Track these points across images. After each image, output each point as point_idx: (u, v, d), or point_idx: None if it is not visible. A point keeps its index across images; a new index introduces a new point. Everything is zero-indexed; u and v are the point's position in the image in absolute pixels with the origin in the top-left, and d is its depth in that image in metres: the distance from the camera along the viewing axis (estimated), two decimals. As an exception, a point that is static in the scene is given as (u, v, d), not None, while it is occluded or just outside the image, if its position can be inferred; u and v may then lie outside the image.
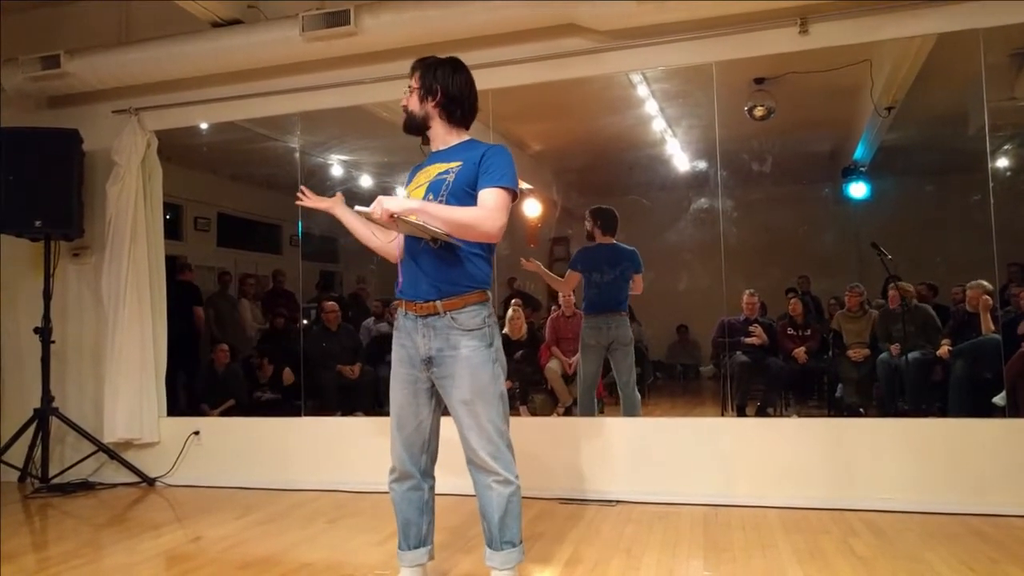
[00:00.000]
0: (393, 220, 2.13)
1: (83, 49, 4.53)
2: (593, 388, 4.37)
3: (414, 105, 2.40)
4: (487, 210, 2.24)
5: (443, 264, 2.28)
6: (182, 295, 5.72)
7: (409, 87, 2.41)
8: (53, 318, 4.61)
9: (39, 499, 4.29)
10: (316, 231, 5.07)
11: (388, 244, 2.47)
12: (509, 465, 2.30)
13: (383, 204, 2.11)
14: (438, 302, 2.27)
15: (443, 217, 2.19)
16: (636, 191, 5.40)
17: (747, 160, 5.02)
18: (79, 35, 4.79)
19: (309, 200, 2.57)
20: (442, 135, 2.42)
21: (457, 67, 2.42)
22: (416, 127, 2.43)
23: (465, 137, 2.46)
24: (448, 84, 2.39)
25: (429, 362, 2.29)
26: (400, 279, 2.38)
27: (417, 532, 2.41)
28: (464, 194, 2.28)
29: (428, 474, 2.41)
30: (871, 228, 4.91)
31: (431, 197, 2.28)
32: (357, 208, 2.20)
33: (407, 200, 2.22)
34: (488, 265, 2.37)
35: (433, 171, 2.37)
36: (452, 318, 2.27)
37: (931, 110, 4.81)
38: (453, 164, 2.34)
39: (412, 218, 2.14)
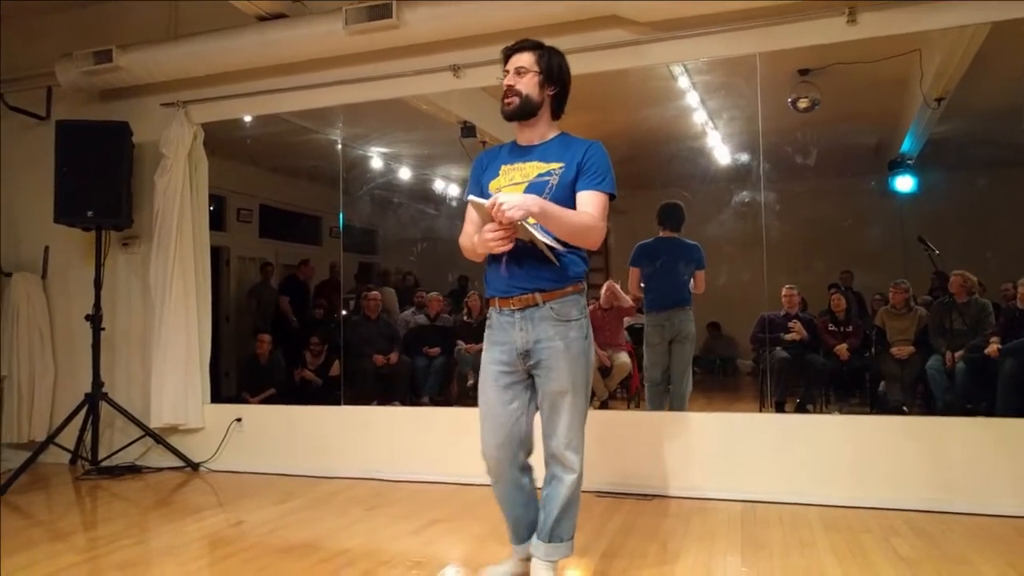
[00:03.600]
0: (511, 225, 2.01)
1: (134, 44, 4.65)
2: (659, 385, 4.31)
3: (532, 89, 2.24)
4: (595, 219, 2.17)
5: (544, 262, 2.21)
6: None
7: (518, 68, 2.25)
8: (103, 306, 4.74)
9: (89, 481, 4.44)
10: (357, 223, 5.12)
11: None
12: (582, 461, 2.29)
13: (504, 209, 1.98)
14: (537, 294, 2.22)
15: (563, 221, 2.10)
16: (676, 184, 5.33)
17: (790, 153, 4.93)
18: (130, 30, 4.91)
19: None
20: (542, 128, 2.31)
21: (564, 57, 2.34)
22: (528, 113, 2.26)
23: (558, 131, 2.35)
24: (566, 74, 2.31)
25: (527, 355, 2.24)
26: (490, 279, 2.31)
27: (528, 525, 2.36)
28: (567, 198, 2.21)
29: (525, 468, 2.36)
30: (918, 222, 4.79)
31: None
32: (471, 198, 2.07)
33: (526, 199, 2.04)
34: (584, 263, 2.32)
35: (532, 170, 2.26)
36: (551, 308, 2.22)
37: (984, 102, 4.66)
38: (555, 165, 2.24)
39: (530, 221, 2.04)
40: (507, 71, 2.28)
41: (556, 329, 2.22)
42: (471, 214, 2.32)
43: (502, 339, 2.28)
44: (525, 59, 2.26)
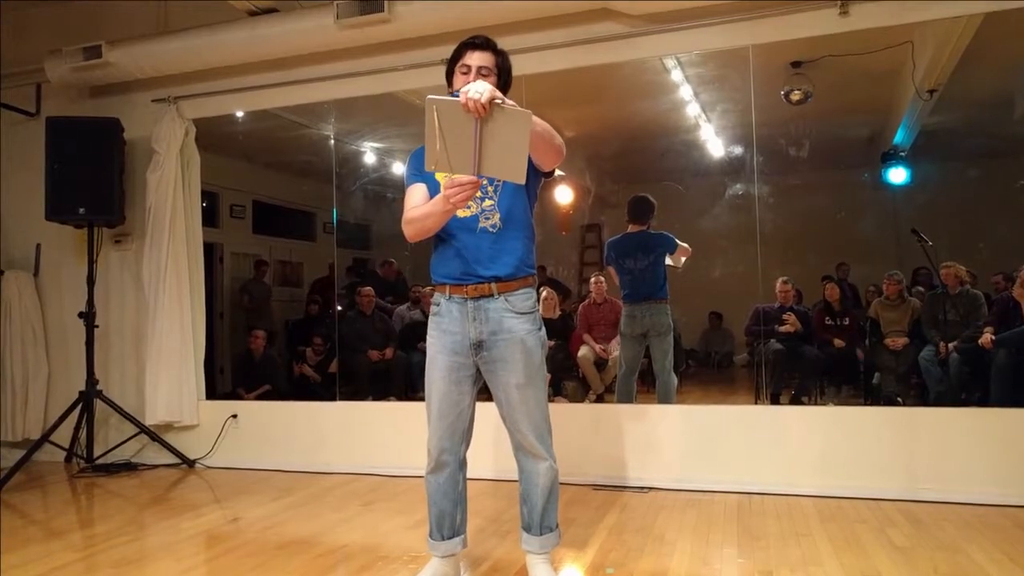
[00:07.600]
0: (487, 108, 1.83)
1: (124, 39, 4.62)
2: (630, 376, 4.34)
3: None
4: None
5: (497, 248, 2.22)
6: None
7: (482, 68, 2.22)
8: (96, 303, 4.72)
9: (85, 478, 4.42)
10: (351, 219, 5.10)
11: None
12: (551, 449, 2.30)
13: (480, 92, 1.81)
14: (493, 284, 2.21)
15: (535, 121, 2.00)
16: (670, 177, 5.34)
17: (784, 145, 4.94)
18: (119, 26, 4.87)
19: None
20: None
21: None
22: None
23: None
24: (511, 79, 2.33)
25: (479, 347, 2.23)
26: (440, 263, 2.29)
27: (451, 523, 2.35)
28: (515, 192, 2.22)
29: (463, 463, 2.37)
30: (911, 214, 4.81)
31: (481, 193, 2.21)
32: (431, 96, 1.88)
33: (487, 85, 1.89)
34: (534, 254, 2.33)
35: None
36: (506, 300, 2.22)
37: (976, 93, 4.68)
38: None
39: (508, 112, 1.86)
40: (468, 66, 2.24)
41: (512, 322, 2.22)
42: (412, 192, 2.28)
43: (453, 328, 2.25)
44: (489, 60, 2.26)
